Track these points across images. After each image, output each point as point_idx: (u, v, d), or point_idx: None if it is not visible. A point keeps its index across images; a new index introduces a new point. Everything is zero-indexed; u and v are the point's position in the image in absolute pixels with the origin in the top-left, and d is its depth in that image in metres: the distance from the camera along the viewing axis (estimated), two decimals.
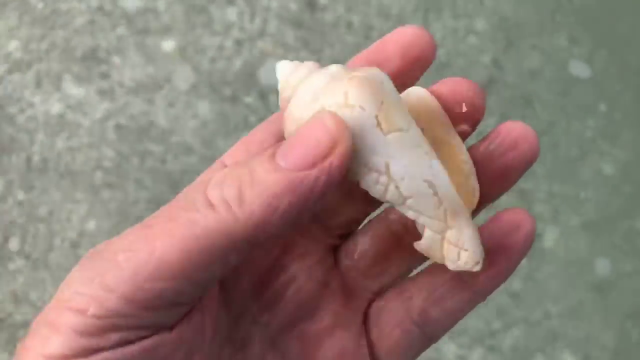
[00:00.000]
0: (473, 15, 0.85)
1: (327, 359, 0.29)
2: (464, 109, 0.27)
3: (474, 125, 0.28)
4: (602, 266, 0.78)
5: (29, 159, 0.75)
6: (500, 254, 0.27)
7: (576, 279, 0.77)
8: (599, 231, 0.79)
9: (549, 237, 0.79)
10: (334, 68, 0.25)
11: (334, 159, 0.23)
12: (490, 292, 0.28)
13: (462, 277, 0.27)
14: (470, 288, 0.28)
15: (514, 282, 0.77)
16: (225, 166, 0.27)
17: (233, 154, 0.28)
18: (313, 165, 0.23)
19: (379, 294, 0.30)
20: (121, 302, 0.22)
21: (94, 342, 0.22)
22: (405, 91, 0.27)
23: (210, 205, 0.22)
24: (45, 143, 0.75)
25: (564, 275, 0.78)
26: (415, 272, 0.30)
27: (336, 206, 0.29)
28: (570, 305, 0.77)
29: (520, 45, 0.85)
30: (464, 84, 0.27)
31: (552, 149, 0.81)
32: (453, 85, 0.27)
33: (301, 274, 0.29)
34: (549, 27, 0.86)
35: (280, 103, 0.26)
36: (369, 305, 0.30)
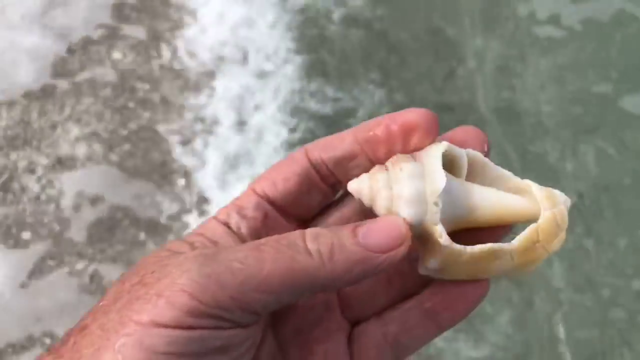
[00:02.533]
0: None
1: None
2: (486, 149, 0.37)
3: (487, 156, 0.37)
4: None
5: None
6: (460, 302, 0.36)
7: None
8: None
9: None
10: (410, 170, 0.34)
11: (397, 254, 0.33)
12: (450, 327, 0.36)
13: (429, 314, 0.36)
14: (435, 322, 0.36)
15: None
16: (256, 193, 0.36)
17: (261, 184, 0.36)
18: (383, 252, 0.33)
19: (364, 318, 0.38)
20: (228, 299, 0.30)
21: (196, 321, 0.30)
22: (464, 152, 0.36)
23: (309, 253, 0.32)
24: None
25: None
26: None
27: None
28: None
29: None
30: (477, 131, 0.37)
31: None
32: (472, 132, 0.37)
33: None
34: None
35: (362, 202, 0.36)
36: (355, 324, 0.37)
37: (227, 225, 0.36)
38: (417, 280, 0.37)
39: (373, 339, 0.37)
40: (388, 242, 0.33)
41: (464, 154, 0.36)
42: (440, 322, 0.36)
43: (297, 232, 0.33)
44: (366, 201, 0.35)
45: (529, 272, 0.36)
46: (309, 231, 0.33)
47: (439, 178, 0.34)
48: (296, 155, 0.37)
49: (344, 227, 0.34)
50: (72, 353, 0.30)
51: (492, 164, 0.37)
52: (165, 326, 0.29)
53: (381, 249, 0.33)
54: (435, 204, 0.34)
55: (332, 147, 0.36)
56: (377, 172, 0.36)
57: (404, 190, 0.34)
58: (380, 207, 0.35)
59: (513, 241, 0.35)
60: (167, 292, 0.30)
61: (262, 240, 0.33)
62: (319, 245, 0.32)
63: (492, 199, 0.36)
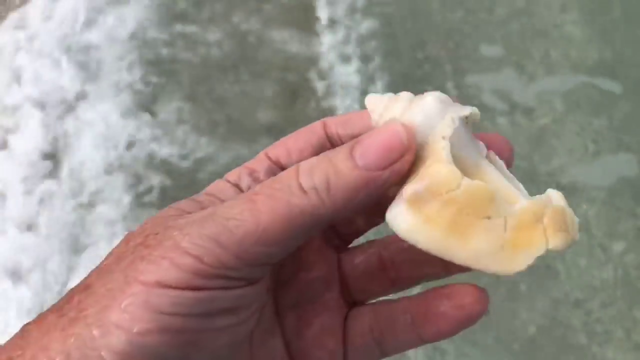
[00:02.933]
0: None
1: (314, 334, 0.35)
2: (509, 157, 0.34)
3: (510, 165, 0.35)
4: None
5: None
6: (444, 320, 0.33)
7: None
8: None
9: None
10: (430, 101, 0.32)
11: (403, 165, 0.31)
12: (431, 342, 0.34)
13: (415, 323, 0.34)
14: (418, 334, 0.34)
15: None
16: (269, 158, 0.35)
17: (275, 150, 0.35)
18: (385, 167, 0.30)
19: (360, 302, 0.37)
20: (231, 258, 0.30)
21: (203, 282, 0.29)
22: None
23: (304, 191, 0.30)
24: None
25: None
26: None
27: (351, 216, 0.37)
28: None
29: None
30: (504, 139, 0.35)
31: None
32: (500, 140, 0.35)
33: (313, 264, 0.36)
34: None
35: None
36: (351, 307, 0.36)
37: (237, 186, 0.35)
38: (411, 272, 0.36)
39: (361, 328, 0.36)
40: (389, 154, 0.30)
41: (484, 147, 0.33)
42: (423, 335, 0.34)
43: (291, 169, 0.31)
44: (377, 116, 0.33)
45: (514, 269, 0.30)
46: (302, 165, 0.31)
47: (465, 107, 0.32)
48: (314, 127, 0.35)
49: (340, 150, 0.31)
50: (77, 312, 0.29)
51: (509, 173, 0.33)
52: (172, 287, 0.29)
53: (384, 164, 0.30)
54: (453, 120, 0.31)
55: (350, 123, 0.35)
56: (402, 92, 0.33)
57: (424, 99, 0.32)
58: (388, 117, 0.32)
59: (516, 205, 0.31)
60: (171, 254, 0.29)
61: (257, 188, 0.31)
62: (314, 179, 0.30)
63: (501, 180, 0.32)
